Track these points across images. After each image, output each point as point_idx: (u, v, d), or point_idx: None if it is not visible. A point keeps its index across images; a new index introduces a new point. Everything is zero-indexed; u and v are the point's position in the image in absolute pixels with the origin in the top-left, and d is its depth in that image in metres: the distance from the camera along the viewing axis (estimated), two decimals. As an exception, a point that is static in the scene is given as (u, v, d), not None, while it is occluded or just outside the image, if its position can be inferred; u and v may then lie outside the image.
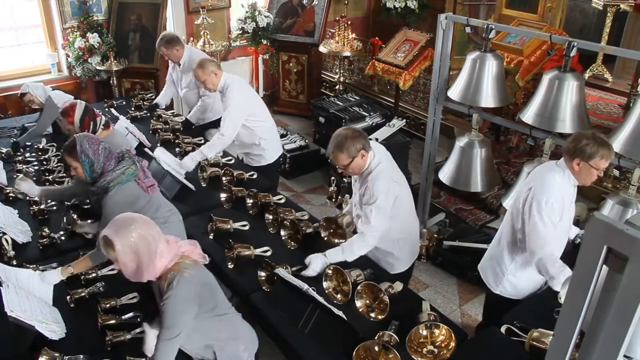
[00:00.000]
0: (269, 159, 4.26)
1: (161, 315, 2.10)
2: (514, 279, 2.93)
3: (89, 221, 3.22)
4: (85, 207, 3.49)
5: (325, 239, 3.17)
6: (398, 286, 2.80)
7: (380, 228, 2.90)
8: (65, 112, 3.27)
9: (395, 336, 2.46)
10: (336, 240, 3.13)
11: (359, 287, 2.72)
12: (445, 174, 4.25)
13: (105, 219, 2.70)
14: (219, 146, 3.97)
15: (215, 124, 5.01)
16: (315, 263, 2.86)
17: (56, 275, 2.71)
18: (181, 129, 4.69)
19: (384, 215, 2.89)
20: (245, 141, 4.16)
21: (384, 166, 2.92)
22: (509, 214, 2.94)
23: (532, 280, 2.91)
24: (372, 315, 2.67)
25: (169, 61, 4.87)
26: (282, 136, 5.72)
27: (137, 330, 2.48)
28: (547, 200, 2.63)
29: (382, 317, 2.63)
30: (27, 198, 3.46)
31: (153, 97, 5.45)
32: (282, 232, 3.29)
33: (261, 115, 4.16)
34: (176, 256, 2.12)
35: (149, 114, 5.02)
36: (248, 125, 4.05)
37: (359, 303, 2.71)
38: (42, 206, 3.42)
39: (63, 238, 3.19)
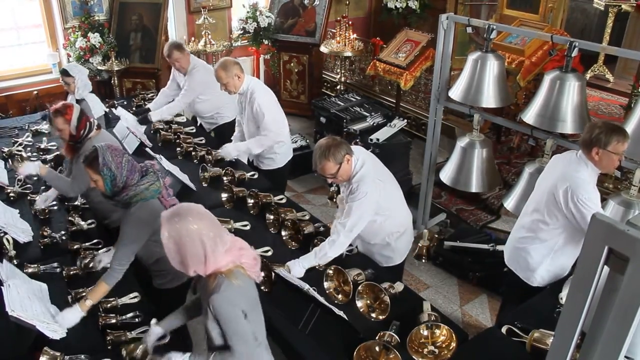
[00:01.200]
0: (280, 163, 4.22)
1: (220, 323, 2.00)
2: (550, 267, 3.00)
3: (103, 250, 3.02)
4: (85, 205, 3.50)
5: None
6: (399, 286, 2.80)
7: (356, 228, 2.89)
8: (61, 111, 3.13)
9: (396, 336, 2.46)
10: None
11: (359, 287, 2.73)
12: (445, 175, 4.25)
13: (123, 236, 2.59)
14: (266, 143, 3.98)
15: (227, 127, 4.97)
16: (296, 270, 2.84)
17: (77, 313, 2.47)
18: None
19: (363, 213, 2.89)
20: None
21: (367, 167, 2.94)
22: (536, 211, 2.99)
23: (567, 264, 3.01)
24: (373, 315, 2.67)
25: (174, 71, 4.81)
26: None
27: (138, 330, 2.49)
28: (588, 197, 2.72)
29: (383, 317, 2.63)
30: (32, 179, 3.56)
31: (154, 96, 5.45)
32: (283, 232, 3.29)
33: (280, 120, 4.10)
34: (232, 263, 2.00)
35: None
36: None
37: (360, 303, 2.71)
38: (43, 206, 3.42)
39: (64, 237, 3.18)
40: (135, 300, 2.68)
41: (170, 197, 2.74)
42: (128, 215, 2.57)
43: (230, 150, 4.02)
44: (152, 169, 2.66)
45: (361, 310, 2.69)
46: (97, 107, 4.28)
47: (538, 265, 3.01)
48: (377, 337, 2.46)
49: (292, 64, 7.16)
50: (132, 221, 2.56)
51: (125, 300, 2.68)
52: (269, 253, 3.10)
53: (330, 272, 2.85)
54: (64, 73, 4.25)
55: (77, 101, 4.19)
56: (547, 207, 2.90)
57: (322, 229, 3.30)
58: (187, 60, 4.63)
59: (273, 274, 2.81)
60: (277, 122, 3.99)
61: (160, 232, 1.93)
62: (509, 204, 3.80)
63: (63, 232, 3.21)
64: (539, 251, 2.99)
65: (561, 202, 2.79)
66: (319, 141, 2.93)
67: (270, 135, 3.94)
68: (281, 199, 3.66)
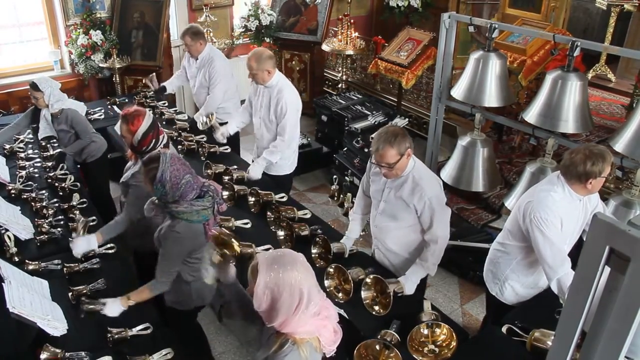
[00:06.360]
0: (287, 169, 4.17)
1: None
2: (511, 288, 2.91)
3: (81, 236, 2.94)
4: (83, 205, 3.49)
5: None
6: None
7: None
8: (128, 119, 2.85)
9: (397, 335, 2.46)
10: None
11: (367, 279, 2.73)
12: (447, 174, 4.25)
13: (166, 252, 2.54)
14: (281, 148, 3.91)
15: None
16: (408, 287, 2.80)
17: (118, 307, 2.50)
18: (187, 128, 4.68)
19: (447, 212, 2.86)
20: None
21: (420, 164, 2.87)
22: (509, 222, 2.89)
23: (530, 289, 2.89)
24: (376, 308, 2.68)
25: (186, 54, 4.86)
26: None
27: (139, 327, 2.49)
28: (545, 218, 2.58)
29: (385, 312, 2.64)
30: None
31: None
32: (280, 233, 3.27)
33: (297, 126, 4.06)
34: (310, 334, 1.76)
35: (155, 98, 5.22)
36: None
37: (365, 294, 2.72)
38: (44, 203, 3.42)
39: (62, 234, 3.19)
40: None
41: (215, 225, 2.63)
42: (172, 231, 2.49)
43: (257, 171, 3.89)
44: (212, 192, 2.53)
45: (366, 302, 2.70)
46: (80, 109, 4.17)
47: (504, 279, 2.91)
48: (377, 336, 2.47)
49: (293, 62, 7.15)
50: (173, 237, 2.49)
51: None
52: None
53: (331, 270, 2.85)
54: (34, 87, 3.92)
55: (53, 115, 4.04)
56: (513, 220, 2.82)
57: (319, 231, 3.27)
58: (199, 47, 4.69)
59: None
60: (295, 126, 3.95)
61: (257, 282, 1.68)
62: (510, 203, 3.80)
63: (60, 230, 3.21)
64: (505, 264, 2.90)
65: (521, 216, 2.70)
66: (383, 128, 2.75)
67: (285, 138, 3.89)
68: (282, 197, 3.66)
